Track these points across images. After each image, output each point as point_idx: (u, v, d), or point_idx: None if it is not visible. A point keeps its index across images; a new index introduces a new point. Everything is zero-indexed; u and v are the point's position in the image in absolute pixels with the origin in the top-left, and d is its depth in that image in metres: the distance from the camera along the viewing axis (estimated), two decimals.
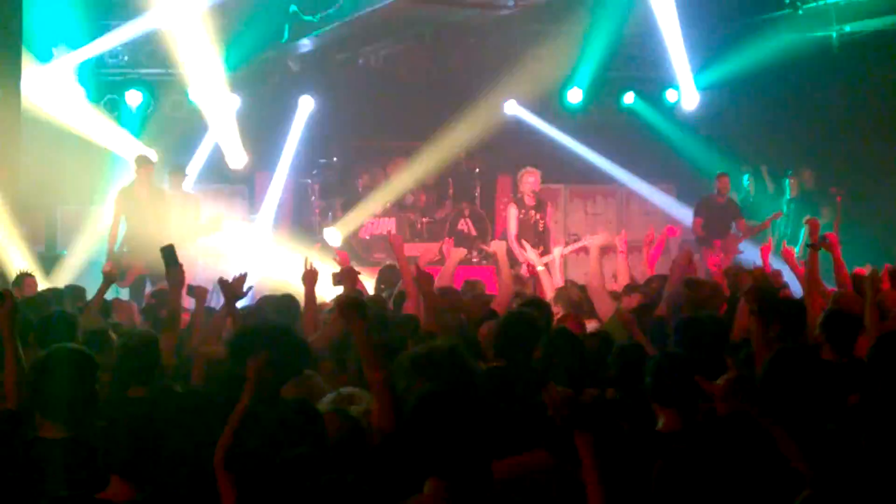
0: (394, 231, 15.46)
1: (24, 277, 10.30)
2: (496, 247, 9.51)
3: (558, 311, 7.83)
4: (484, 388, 5.19)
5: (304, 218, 16.38)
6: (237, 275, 7.29)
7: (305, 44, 14.95)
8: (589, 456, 3.66)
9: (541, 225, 12.99)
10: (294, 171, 16.14)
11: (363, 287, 8.77)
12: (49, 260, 13.93)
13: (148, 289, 12.10)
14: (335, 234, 15.32)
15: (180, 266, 7.07)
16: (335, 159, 16.37)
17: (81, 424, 4.72)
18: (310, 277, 7.69)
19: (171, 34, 14.30)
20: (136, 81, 15.40)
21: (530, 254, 10.59)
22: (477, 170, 16.48)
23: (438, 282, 7.77)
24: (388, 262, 10.99)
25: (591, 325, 7.72)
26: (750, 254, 14.38)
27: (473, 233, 15.97)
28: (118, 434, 4.31)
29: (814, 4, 14.40)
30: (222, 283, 7.09)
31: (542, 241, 12.83)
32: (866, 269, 9.00)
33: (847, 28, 14.85)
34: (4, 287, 7.74)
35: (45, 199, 14.35)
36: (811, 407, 4.49)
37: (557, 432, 3.87)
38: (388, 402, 4.71)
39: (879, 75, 14.94)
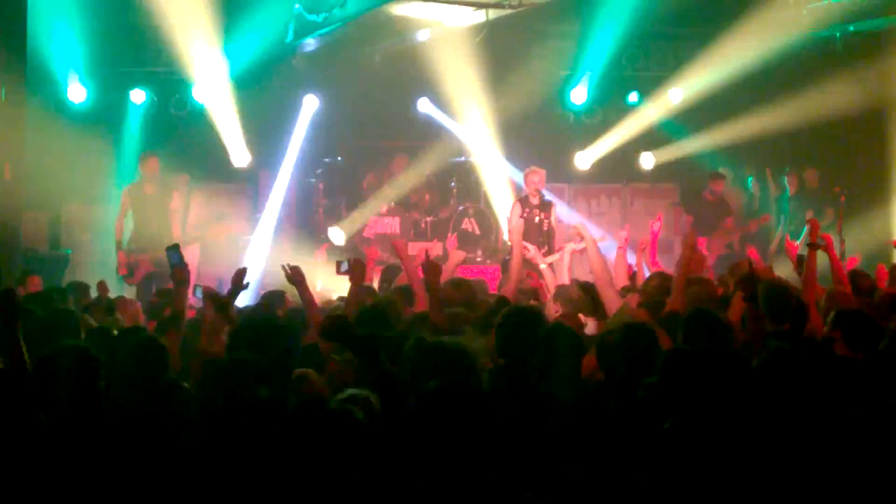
0: (398, 230, 15.49)
1: (28, 275, 10.34)
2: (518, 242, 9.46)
3: (557, 309, 7.82)
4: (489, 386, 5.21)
5: (308, 217, 16.39)
6: (238, 269, 7.33)
7: (310, 43, 14.95)
8: None
9: (545, 225, 13.01)
10: (298, 170, 16.14)
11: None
12: (53, 258, 13.97)
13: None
14: (339, 234, 15.34)
15: (185, 266, 7.11)
16: (339, 158, 16.37)
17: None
18: (297, 277, 7.70)
19: (176, 32, 14.31)
20: (141, 80, 15.41)
21: (532, 254, 10.59)
22: (481, 169, 16.49)
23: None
24: (391, 263, 11.00)
25: (590, 325, 7.72)
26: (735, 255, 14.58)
27: (477, 232, 15.98)
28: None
29: (818, 4, 14.38)
30: (209, 292, 7.09)
31: (546, 241, 12.83)
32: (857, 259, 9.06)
33: (850, 27, 14.85)
34: (8, 285, 7.77)
35: (49, 197, 14.38)
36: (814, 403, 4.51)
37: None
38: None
39: (883, 74, 14.92)
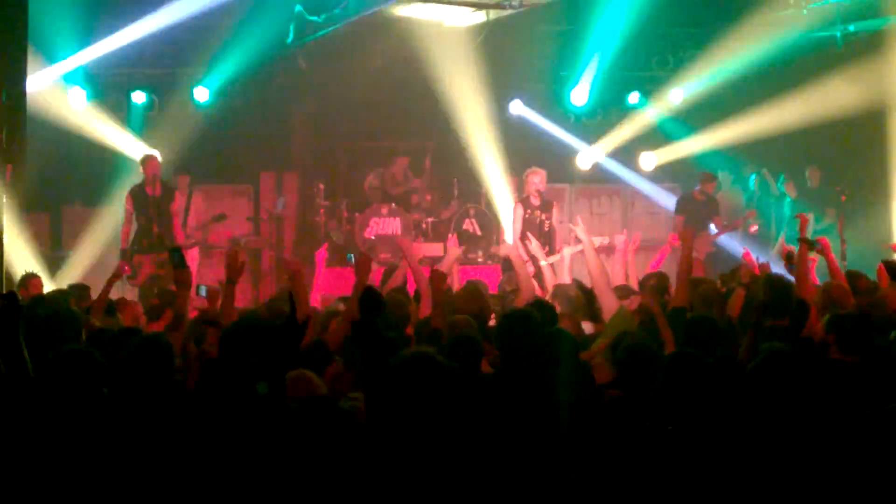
0: (399, 231, 15.50)
1: (30, 278, 10.34)
2: (506, 249, 9.54)
3: (555, 308, 7.85)
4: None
5: (309, 218, 16.41)
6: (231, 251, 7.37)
7: (311, 44, 14.96)
8: None
9: (546, 225, 13.03)
10: (299, 172, 16.16)
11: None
12: (54, 260, 13.97)
13: None
14: (341, 234, 15.37)
15: (188, 268, 7.12)
16: (340, 159, 16.39)
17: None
18: (295, 276, 7.72)
19: (176, 34, 14.31)
20: (141, 81, 15.41)
21: (534, 248, 10.60)
22: (482, 170, 16.49)
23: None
24: (393, 263, 11.01)
25: (587, 327, 7.73)
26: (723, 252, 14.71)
27: (479, 233, 15.99)
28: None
29: (818, 4, 14.37)
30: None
31: (547, 242, 12.86)
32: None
33: (851, 27, 14.84)
34: (10, 288, 7.78)
35: (50, 199, 14.39)
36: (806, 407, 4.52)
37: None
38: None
39: (883, 74, 14.92)
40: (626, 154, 16.97)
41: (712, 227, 15.21)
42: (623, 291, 8.49)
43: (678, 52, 16.14)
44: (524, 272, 8.91)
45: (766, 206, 16.54)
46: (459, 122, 15.96)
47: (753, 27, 14.77)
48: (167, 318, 7.76)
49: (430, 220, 16.26)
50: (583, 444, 4.84)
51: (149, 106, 15.47)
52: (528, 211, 13.02)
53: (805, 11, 14.54)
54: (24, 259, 12.48)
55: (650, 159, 17.14)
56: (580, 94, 16.63)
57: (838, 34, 14.92)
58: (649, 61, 16.57)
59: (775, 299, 7.04)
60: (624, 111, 17.02)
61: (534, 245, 10.47)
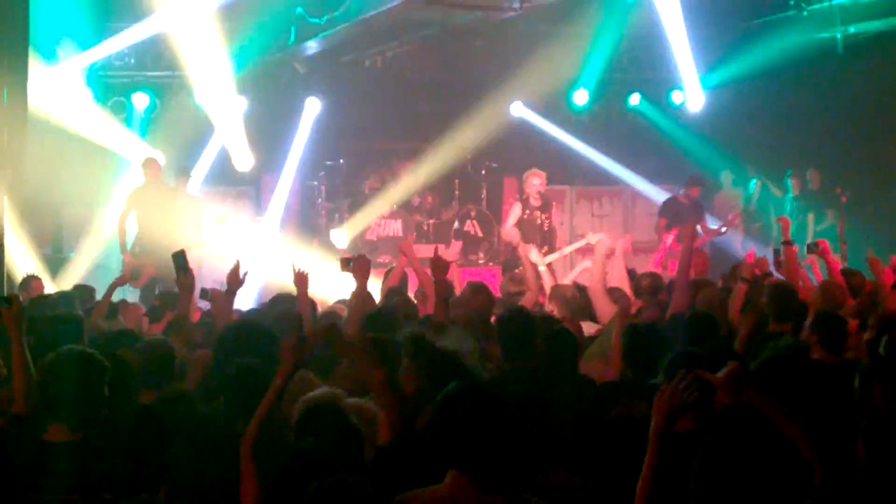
0: (400, 233, 15.50)
1: (31, 280, 10.35)
2: (523, 248, 9.56)
3: (552, 309, 7.86)
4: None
5: (310, 220, 16.41)
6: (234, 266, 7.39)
7: (312, 46, 14.96)
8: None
9: (546, 225, 13.10)
10: (300, 173, 16.16)
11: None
12: (55, 262, 13.96)
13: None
14: (342, 236, 15.36)
15: (191, 272, 7.14)
16: (342, 161, 16.39)
17: (89, 427, 4.74)
18: (301, 280, 7.73)
19: (178, 36, 14.32)
20: (143, 84, 15.41)
21: (533, 254, 10.63)
22: (483, 171, 16.50)
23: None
24: (394, 265, 11.00)
25: (587, 328, 7.74)
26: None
27: (480, 234, 15.99)
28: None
29: (818, 6, 14.38)
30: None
31: (547, 241, 12.95)
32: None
33: (852, 29, 14.85)
34: (11, 290, 7.79)
35: (51, 201, 14.37)
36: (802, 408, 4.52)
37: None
38: (391, 403, 4.74)
39: (884, 76, 14.92)
40: (627, 155, 16.96)
41: (698, 229, 15.19)
42: (616, 295, 8.51)
43: (679, 54, 16.12)
44: (531, 272, 8.91)
45: (766, 207, 16.54)
46: (461, 123, 15.96)
47: (755, 29, 14.78)
48: (168, 319, 7.78)
49: (431, 221, 16.27)
50: (583, 444, 4.85)
51: (150, 108, 15.48)
52: (527, 211, 13.10)
53: (806, 13, 14.54)
54: (24, 261, 12.50)
55: (652, 161, 17.12)
56: (582, 96, 16.64)
57: (839, 36, 14.92)
58: (650, 62, 16.58)
59: (778, 304, 7.06)
60: (626, 112, 17.02)
61: (533, 254, 10.51)
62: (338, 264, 7.92)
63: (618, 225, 16.92)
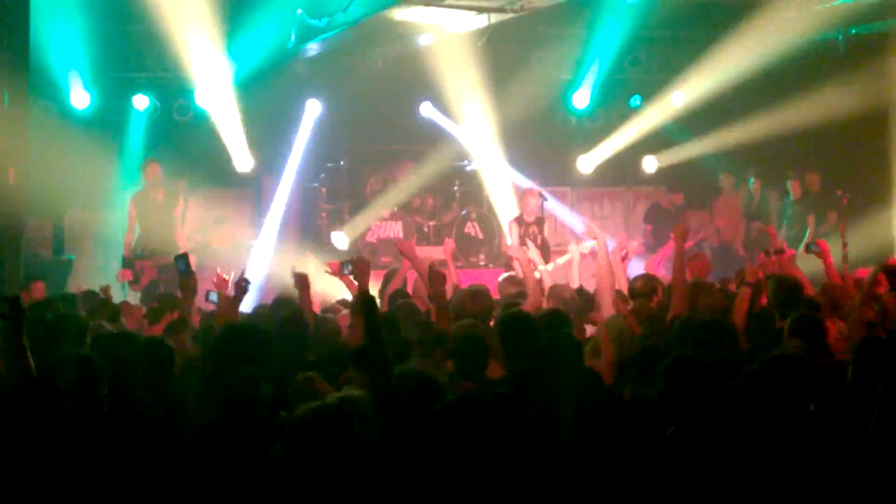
0: (401, 235, 15.50)
1: (32, 282, 10.35)
2: (516, 253, 9.53)
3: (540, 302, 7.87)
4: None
5: (311, 221, 16.41)
6: (235, 274, 7.38)
7: (312, 48, 14.95)
8: None
9: (539, 239, 13.28)
10: (301, 175, 16.16)
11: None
12: (57, 264, 13.97)
13: None
14: (342, 238, 15.36)
15: (193, 275, 7.16)
16: (342, 163, 16.39)
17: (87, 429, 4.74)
18: (302, 282, 7.73)
19: (178, 37, 14.32)
20: (144, 85, 15.41)
21: (532, 253, 10.62)
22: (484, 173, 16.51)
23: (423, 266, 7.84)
24: (394, 267, 11.00)
25: (588, 329, 7.72)
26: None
27: (480, 236, 15.99)
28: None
29: (820, 6, 14.37)
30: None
31: (541, 255, 13.01)
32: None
33: (853, 30, 14.85)
34: (13, 292, 7.78)
35: (52, 203, 14.38)
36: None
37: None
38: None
39: (885, 77, 14.92)
40: (627, 157, 16.97)
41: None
42: (617, 297, 8.50)
43: (680, 55, 16.13)
44: (532, 277, 8.88)
45: (766, 208, 16.55)
46: (461, 124, 15.96)
47: (755, 30, 14.76)
48: (167, 321, 7.79)
49: (431, 223, 16.27)
50: (584, 449, 4.84)
51: (151, 109, 15.46)
52: (522, 228, 13.39)
53: (807, 14, 14.53)
54: (25, 263, 12.48)
55: (652, 163, 17.13)
56: (582, 98, 16.64)
57: (840, 37, 14.92)
58: (651, 64, 16.57)
59: (783, 298, 7.07)
60: (625, 114, 17.02)
61: (532, 252, 10.50)
62: (330, 271, 7.96)
63: (619, 227, 16.91)
